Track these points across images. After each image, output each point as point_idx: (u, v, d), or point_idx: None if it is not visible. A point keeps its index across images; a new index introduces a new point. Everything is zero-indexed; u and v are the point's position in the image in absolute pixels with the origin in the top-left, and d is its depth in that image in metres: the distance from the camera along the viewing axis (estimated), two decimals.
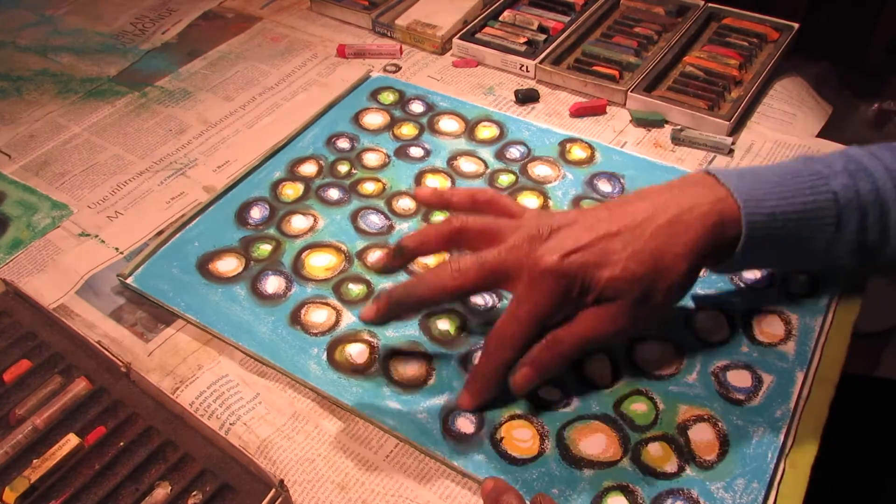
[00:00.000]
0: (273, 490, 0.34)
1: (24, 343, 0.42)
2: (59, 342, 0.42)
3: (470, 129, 0.56)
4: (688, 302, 0.43)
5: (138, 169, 0.55)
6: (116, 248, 0.49)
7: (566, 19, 0.65)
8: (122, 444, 0.37)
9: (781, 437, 0.37)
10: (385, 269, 0.40)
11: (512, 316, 0.35)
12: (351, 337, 0.42)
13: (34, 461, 0.36)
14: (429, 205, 0.47)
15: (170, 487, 0.36)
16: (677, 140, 0.55)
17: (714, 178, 0.37)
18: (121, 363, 0.40)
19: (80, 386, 0.39)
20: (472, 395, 0.38)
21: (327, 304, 0.44)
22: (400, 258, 0.39)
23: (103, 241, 0.49)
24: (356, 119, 0.57)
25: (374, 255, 0.46)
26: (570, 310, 0.36)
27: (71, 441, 0.37)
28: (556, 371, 0.36)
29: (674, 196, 0.36)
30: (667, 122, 0.56)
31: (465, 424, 0.38)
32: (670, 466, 0.36)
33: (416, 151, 0.54)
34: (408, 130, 0.56)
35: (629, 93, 0.57)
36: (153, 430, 0.38)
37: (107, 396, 0.39)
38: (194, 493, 0.35)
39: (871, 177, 0.36)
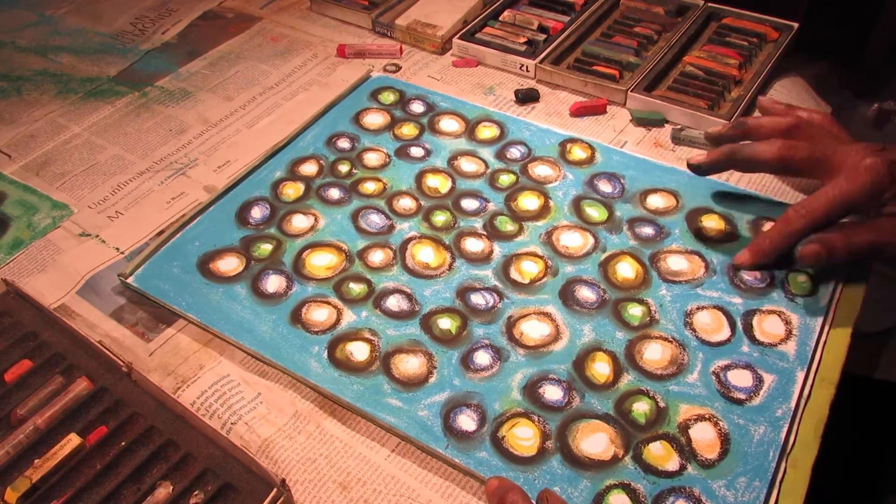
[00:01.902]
0: (275, 490, 0.34)
1: (25, 343, 0.42)
2: (60, 342, 0.42)
3: (470, 129, 0.56)
4: (689, 301, 0.43)
5: (138, 169, 0.55)
6: (117, 248, 0.49)
7: (566, 19, 0.65)
8: (123, 443, 0.37)
9: (782, 436, 0.37)
10: (720, 138, 0.47)
11: (824, 195, 0.40)
12: (352, 335, 0.42)
13: (36, 461, 0.36)
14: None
15: (171, 487, 0.36)
16: (677, 140, 0.55)
17: None
18: (122, 363, 0.40)
19: (81, 386, 0.39)
20: (753, 254, 0.43)
21: (328, 303, 0.44)
22: (738, 129, 0.45)
23: (104, 241, 0.49)
24: (357, 119, 0.57)
25: (375, 255, 0.46)
26: (876, 212, 0.40)
27: (72, 441, 0.37)
28: (840, 261, 0.41)
29: None
30: (667, 121, 0.56)
31: (467, 422, 0.38)
32: (672, 465, 0.36)
33: (416, 151, 0.54)
34: (408, 130, 0.56)
35: (629, 92, 0.57)
36: (154, 429, 0.38)
37: (108, 396, 0.39)
38: (196, 492, 0.35)
39: None
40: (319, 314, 0.43)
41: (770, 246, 0.42)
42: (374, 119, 0.57)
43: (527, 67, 0.61)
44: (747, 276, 0.44)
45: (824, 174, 0.42)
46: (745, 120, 0.45)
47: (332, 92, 0.60)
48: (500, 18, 0.67)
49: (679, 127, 0.55)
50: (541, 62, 0.61)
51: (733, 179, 0.51)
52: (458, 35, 0.64)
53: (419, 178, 0.52)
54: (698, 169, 0.47)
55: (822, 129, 0.44)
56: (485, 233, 0.48)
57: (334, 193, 0.51)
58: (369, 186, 0.51)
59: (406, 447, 0.38)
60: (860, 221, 0.41)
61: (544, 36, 0.64)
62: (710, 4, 0.66)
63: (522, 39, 0.63)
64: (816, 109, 0.47)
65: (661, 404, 0.38)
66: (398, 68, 0.63)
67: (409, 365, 0.40)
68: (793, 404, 0.38)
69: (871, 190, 0.39)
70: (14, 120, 0.60)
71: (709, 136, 0.48)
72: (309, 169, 0.53)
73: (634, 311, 0.43)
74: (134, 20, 0.72)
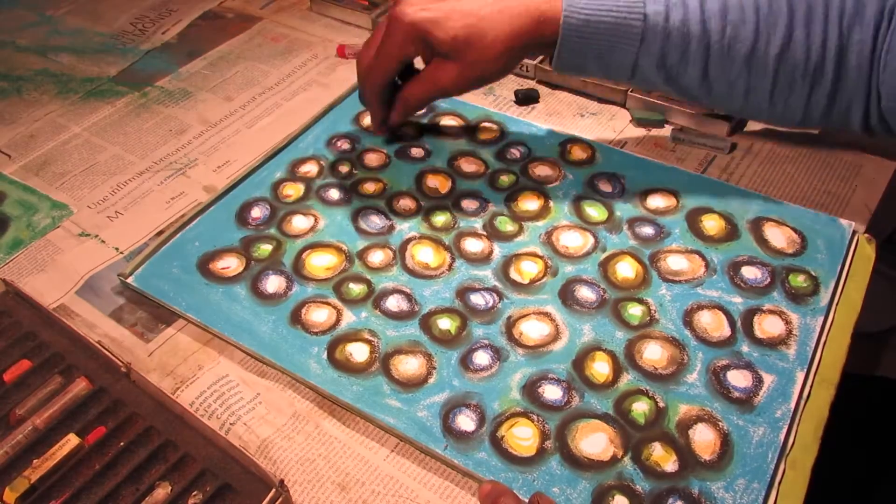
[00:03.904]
0: (273, 490, 0.34)
1: (24, 343, 0.42)
2: (60, 342, 0.42)
3: (470, 130, 0.56)
4: (688, 301, 0.43)
5: (138, 169, 0.55)
6: (116, 248, 0.49)
7: None
8: (122, 444, 0.37)
9: (782, 437, 0.37)
10: None
11: (375, 53, 0.47)
12: (351, 336, 0.42)
13: (34, 461, 0.36)
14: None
15: (170, 487, 0.36)
16: (677, 140, 0.55)
17: None
18: (121, 363, 0.40)
19: (80, 386, 0.39)
20: (372, 122, 0.53)
21: (328, 304, 0.44)
22: None
23: (103, 241, 0.49)
24: (357, 120, 0.57)
25: (375, 256, 0.46)
26: (425, 57, 0.47)
27: (71, 441, 0.37)
28: (415, 109, 0.51)
29: None
30: (667, 122, 0.56)
31: (466, 423, 0.38)
32: (671, 466, 0.36)
33: (416, 152, 0.54)
34: (408, 131, 0.56)
35: (629, 93, 0.57)
36: (153, 430, 0.38)
37: (107, 396, 0.39)
38: (194, 493, 0.35)
39: (685, 10, 0.43)
40: (319, 315, 0.43)
41: (370, 108, 0.52)
42: None
43: (527, 67, 0.61)
44: (748, 275, 0.44)
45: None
46: None
47: (332, 92, 0.60)
48: None
49: (679, 127, 0.55)
50: (541, 62, 0.61)
51: (733, 179, 0.51)
52: None
53: (419, 178, 0.52)
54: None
55: None
56: (485, 233, 0.48)
57: (334, 194, 0.51)
58: (369, 187, 0.51)
59: (405, 448, 0.38)
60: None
61: None
62: None
63: None
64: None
65: (661, 404, 0.38)
66: None
67: (409, 366, 0.40)
68: (792, 405, 0.38)
69: (407, 43, 0.45)
70: (14, 120, 0.60)
71: None
72: (309, 169, 0.53)
73: (634, 311, 0.43)
74: (134, 20, 0.72)
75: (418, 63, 0.49)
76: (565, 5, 0.43)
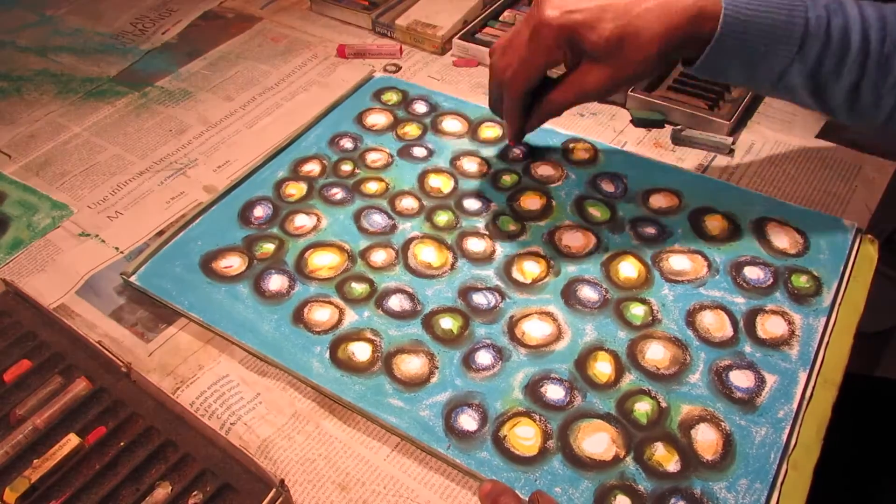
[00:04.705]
0: (273, 490, 0.34)
1: (24, 343, 0.42)
2: (60, 342, 0.42)
3: (473, 130, 0.56)
4: (691, 301, 0.43)
5: (138, 169, 0.55)
6: (116, 248, 0.49)
7: None
8: (122, 444, 0.37)
9: (784, 438, 0.36)
10: None
11: (517, 61, 0.43)
12: (354, 335, 0.42)
13: (34, 461, 0.36)
14: None
15: (170, 487, 0.35)
16: (677, 140, 0.55)
17: None
18: (121, 363, 0.40)
19: (80, 386, 0.39)
20: (509, 131, 0.49)
21: (330, 303, 0.44)
22: None
23: (103, 241, 0.49)
24: (359, 119, 0.57)
25: (377, 255, 0.46)
26: (569, 61, 0.44)
27: (71, 441, 0.37)
28: (555, 116, 0.47)
29: None
30: (667, 122, 0.56)
31: (468, 422, 0.38)
32: (673, 466, 0.36)
33: (419, 151, 0.54)
34: (411, 130, 0.56)
35: (629, 93, 0.57)
36: (153, 430, 0.38)
37: (107, 396, 0.39)
38: (195, 493, 0.35)
39: (846, 18, 0.40)
40: (321, 314, 0.43)
41: (510, 119, 0.48)
42: (377, 119, 0.57)
43: None
44: (750, 275, 0.44)
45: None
46: None
47: (333, 92, 0.60)
48: (501, 18, 0.67)
49: (679, 127, 0.55)
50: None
51: (734, 179, 0.51)
52: (458, 35, 0.64)
53: (421, 178, 0.52)
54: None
55: None
56: (487, 233, 0.48)
57: (337, 193, 0.51)
58: (372, 186, 0.51)
59: (405, 447, 0.38)
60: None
61: None
62: None
63: None
64: None
65: (663, 404, 0.38)
66: (398, 68, 0.63)
67: (411, 365, 0.40)
68: (795, 405, 0.38)
69: (555, 48, 0.42)
70: (14, 120, 0.60)
71: None
72: (312, 169, 0.53)
73: (636, 311, 0.42)
74: (134, 20, 0.72)
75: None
76: (725, 2, 0.40)
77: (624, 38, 0.41)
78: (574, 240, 0.47)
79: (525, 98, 0.45)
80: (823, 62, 0.40)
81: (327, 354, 0.41)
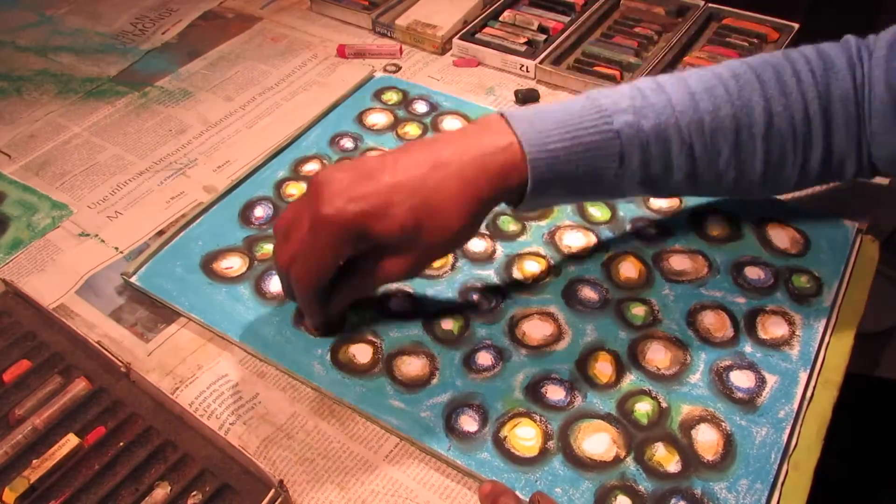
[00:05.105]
0: (273, 490, 0.34)
1: (23, 343, 0.42)
2: (59, 342, 0.42)
3: None
4: (691, 301, 0.43)
5: (138, 169, 0.55)
6: (116, 248, 0.49)
7: (566, 19, 0.65)
8: (121, 444, 0.37)
9: (785, 438, 0.36)
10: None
11: (300, 258, 0.36)
12: (354, 337, 0.42)
13: (34, 461, 0.36)
14: None
15: (169, 487, 0.35)
16: None
17: (505, 121, 0.37)
18: (120, 363, 0.39)
19: (79, 386, 0.39)
20: (309, 322, 0.41)
21: None
22: None
23: (103, 241, 0.49)
24: (360, 119, 0.57)
25: None
26: (358, 252, 0.37)
27: (70, 441, 0.36)
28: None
29: (459, 146, 0.36)
30: None
31: (469, 423, 0.37)
32: (674, 466, 0.36)
33: None
34: (411, 130, 0.56)
35: None
36: (153, 430, 0.38)
37: (106, 396, 0.39)
38: (194, 493, 0.35)
39: (656, 112, 0.37)
40: None
41: (308, 312, 0.40)
42: (378, 119, 0.57)
43: (527, 68, 0.61)
44: (751, 275, 0.44)
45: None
46: None
47: (333, 92, 0.60)
48: (501, 19, 0.67)
49: None
50: (541, 63, 0.61)
51: None
52: (458, 35, 0.64)
53: None
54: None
55: None
56: (487, 233, 0.48)
57: None
58: None
59: (404, 447, 0.38)
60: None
61: (544, 36, 0.64)
62: (710, 5, 0.66)
63: (522, 40, 0.63)
64: None
65: (664, 404, 0.38)
66: (398, 68, 0.63)
67: (412, 366, 0.40)
68: (795, 406, 0.38)
69: (339, 247, 0.36)
70: (14, 120, 0.60)
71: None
72: (312, 168, 0.53)
73: (637, 311, 0.42)
74: (134, 20, 0.72)
75: None
76: (527, 146, 0.36)
77: (421, 220, 0.35)
78: (574, 240, 0.47)
79: (319, 293, 0.38)
80: (650, 166, 0.38)
81: (328, 356, 0.41)
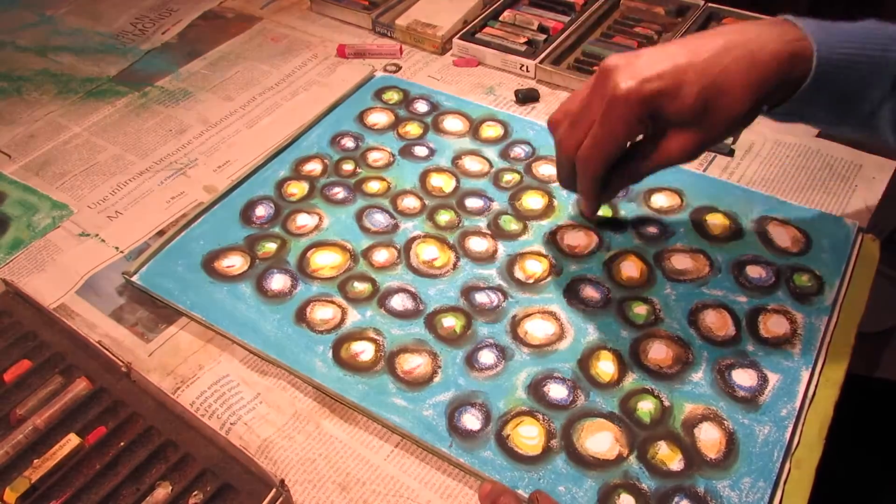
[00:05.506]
0: (274, 490, 0.34)
1: (24, 343, 0.41)
2: (60, 342, 0.41)
3: (474, 129, 0.56)
4: (693, 300, 0.43)
5: (138, 169, 0.55)
6: (117, 248, 0.48)
7: (566, 19, 0.65)
8: (122, 444, 0.37)
9: (787, 436, 0.36)
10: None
11: (592, 139, 0.38)
12: (356, 335, 0.42)
13: (35, 461, 0.36)
14: None
15: (170, 487, 0.35)
16: None
17: (791, 22, 0.38)
18: (121, 363, 0.39)
19: (80, 386, 0.39)
20: (587, 207, 0.45)
21: (333, 303, 0.43)
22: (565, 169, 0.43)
23: (103, 241, 0.49)
24: (360, 118, 0.57)
25: (379, 254, 0.46)
26: (649, 130, 0.39)
27: (71, 441, 0.36)
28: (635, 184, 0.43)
29: (750, 33, 0.37)
30: None
31: (472, 421, 0.37)
32: (676, 465, 0.36)
33: (420, 150, 0.54)
34: (412, 129, 0.56)
35: None
36: (154, 430, 0.37)
37: (107, 396, 0.39)
38: (195, 492, 0.35)
39: None
40: (324, 313, 0.43)
41: (587, 197, 0.43)
42: (378, 118, 0.57)
43: (527, 67, 0.61)
44: (753, 274, 0.44)
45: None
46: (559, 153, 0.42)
47: (333, 92, 0.60)
48: (501, 18, 0.67)
49: None
50: (541, 62, 0.61)
51: (734, 179, 0.51)
52: (458, 35, 0.64)
53: (423, 177, 0.52)
54: (592, 216, 0.47)
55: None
56: (489, 232, 0.48)
57: (339, 193, 0.51)
58: (373, 186, 0.51)
59: (406, 447, 0.37)
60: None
61: (544, 36, 0.64)
62: (710, 5, 0.66)
63: (522, 39, 0.63)
64: None
65: (666, 403, 0.38)
66: (398, 68, 0.63)
67: (414, 364, 0.40)
68: (797, 404, 0.38)
69: (633, 124, 0.38)
70: (14, 120, 0.60)
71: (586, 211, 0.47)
72: (313, 168, 0.53)
73: (639, 310, 0.42)
74: (134, 20, 0.72)
75: None
76: (816, 43, 0.36)
77: (710, 100, 0.36)
78: (576, 239, 0.47)
79: (600, 178, 0.40)
80: None
81: (330, 354, 0.41)
